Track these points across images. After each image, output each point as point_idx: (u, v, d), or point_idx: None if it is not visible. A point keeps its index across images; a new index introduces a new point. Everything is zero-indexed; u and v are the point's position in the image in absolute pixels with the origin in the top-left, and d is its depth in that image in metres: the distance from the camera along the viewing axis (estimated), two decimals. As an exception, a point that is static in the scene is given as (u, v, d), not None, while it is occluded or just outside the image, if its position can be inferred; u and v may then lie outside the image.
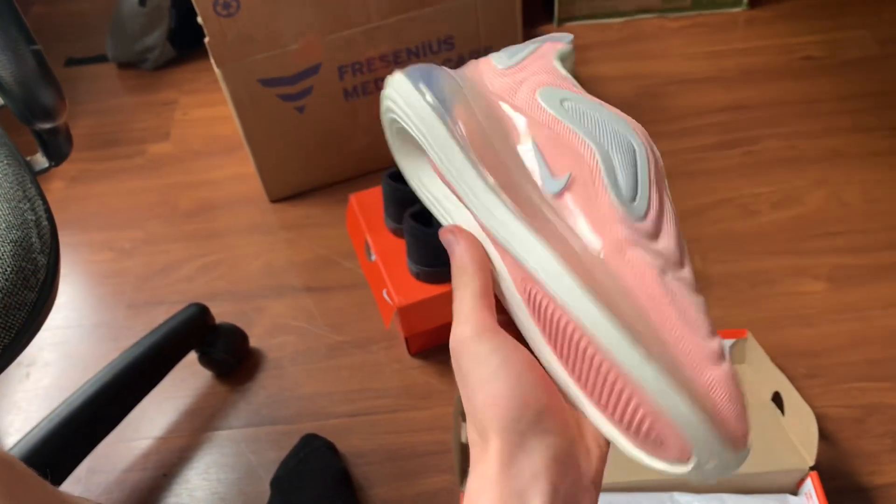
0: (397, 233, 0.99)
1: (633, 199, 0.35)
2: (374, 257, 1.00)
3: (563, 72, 0.41)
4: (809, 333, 1.00)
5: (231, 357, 1.01)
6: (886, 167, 1.21)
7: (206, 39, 1.04)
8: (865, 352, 0.98)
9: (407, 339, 1.01)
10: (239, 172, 1.31)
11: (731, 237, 1.13)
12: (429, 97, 0.39)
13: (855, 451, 0.89)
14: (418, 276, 0.94)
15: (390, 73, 0.43)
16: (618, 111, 0.39)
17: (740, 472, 0.35)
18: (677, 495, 0.79)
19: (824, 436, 0.89)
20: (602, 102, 0.39)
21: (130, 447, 0.97)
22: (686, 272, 0.34)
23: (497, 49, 0.45)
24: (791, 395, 0.83)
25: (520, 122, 0.39)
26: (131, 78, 1.56)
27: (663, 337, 0.32)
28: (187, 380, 1.02)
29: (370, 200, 1.04)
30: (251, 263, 1.17)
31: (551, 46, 0.43)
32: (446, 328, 1.12)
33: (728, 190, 1.20)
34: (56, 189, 1.33)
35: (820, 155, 1.24)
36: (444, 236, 0.40)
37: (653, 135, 0.39)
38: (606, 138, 0.37)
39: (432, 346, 1.02)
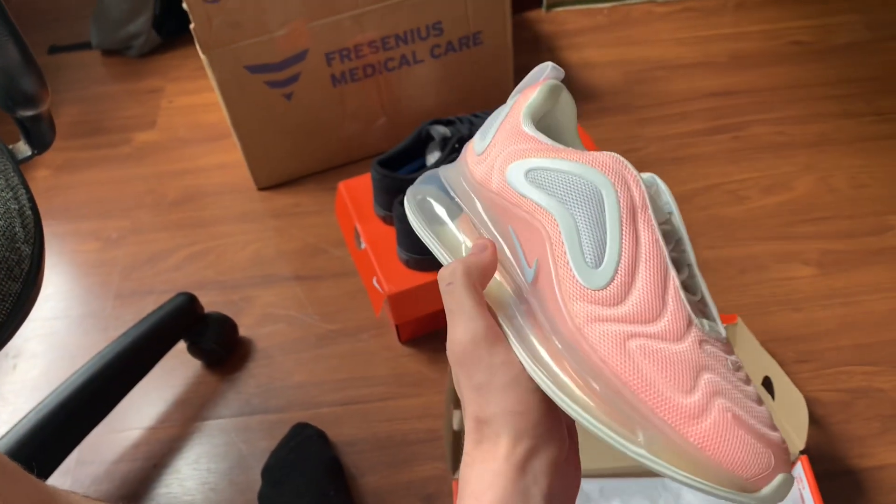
0: (387, 220, 0.99)
1: (600, 262, 0.36)
2: (363, 245, 1.00)
3: (530, 131, 0.40)
4: (798, 318, 1.01)
5: (220, 347, 1.01)
6: (875, 153, 1.21)
7: (192, 25, 1.02)
8: (854, 336, 0.98)
9: (397, 327, 1.00)
10: (226, 160, 1.30)
11: (720, 223, 1.13)
12: (423, 228, 0.43)
13: (844, 434, 0.90)
14: (408, 264, 0.94)
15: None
16: (584, 154, 0.38)
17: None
18: (668, 480, 0.80)
19: (814, 420, 0.90)
20: (567, 150, 0.39)
21: (119, 438, 0.96)
22: (661, 324, 0.34)
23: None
24: (781, 380, 0.84)
25: (503, 210, 0.40)
26: (116, 65, 1.54)
27: (641, 409, 0.33)
28: (177, 370, 1.02)
29: (359, 188, 1.04)
30: (239, 252, 1.16)
31: (524, 98, 0.42)
32: (437, 316, 1.12)
33: (717, 175, 1.20)
34: (41, 178, 1.32)
35: (808, 140, 1.24)
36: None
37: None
38: (571, 197, 0.37)
39: (423, 333, 1.02)
